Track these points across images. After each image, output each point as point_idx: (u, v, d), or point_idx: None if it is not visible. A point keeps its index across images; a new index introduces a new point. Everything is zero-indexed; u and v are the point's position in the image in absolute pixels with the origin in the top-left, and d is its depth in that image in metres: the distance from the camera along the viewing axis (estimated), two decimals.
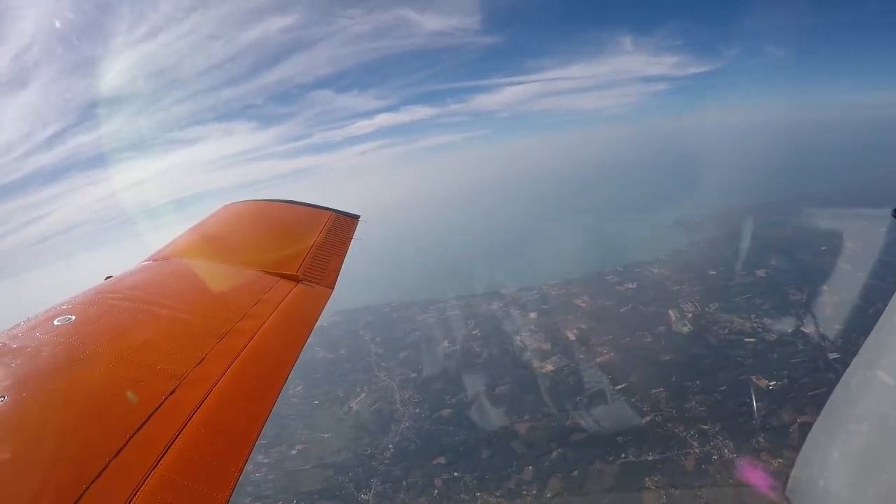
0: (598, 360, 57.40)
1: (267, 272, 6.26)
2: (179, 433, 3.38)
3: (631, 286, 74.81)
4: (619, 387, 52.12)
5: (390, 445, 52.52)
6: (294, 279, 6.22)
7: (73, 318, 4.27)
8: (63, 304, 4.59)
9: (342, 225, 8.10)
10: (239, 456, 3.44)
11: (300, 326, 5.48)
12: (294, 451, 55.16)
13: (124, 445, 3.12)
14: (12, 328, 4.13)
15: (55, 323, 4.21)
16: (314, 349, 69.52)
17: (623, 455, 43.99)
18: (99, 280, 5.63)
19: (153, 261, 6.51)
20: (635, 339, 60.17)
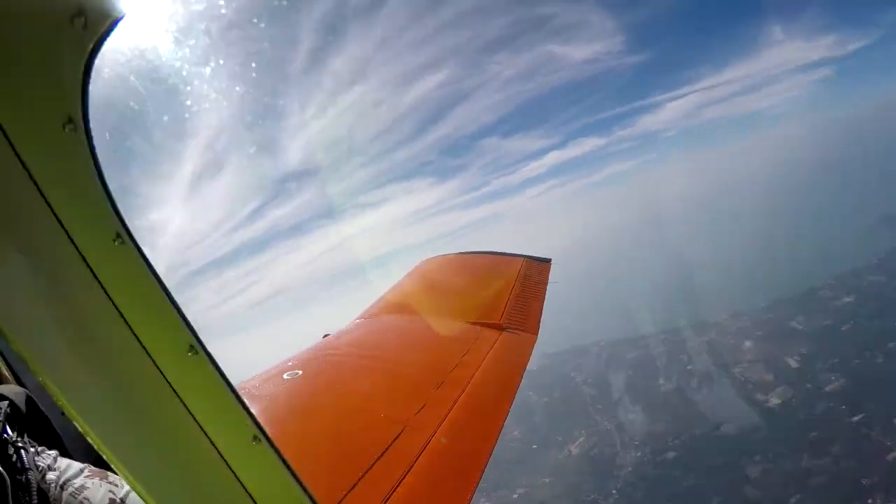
0: (827, 388, 51.59)
1: (471, 322, 6.28)
2: (406, 475, 3.41)
3: (848, 299, 66.81)
4: (856, 418, 46.14)
5: (614, 491, 50.55)
6: (498, 328, 6.17)
7: (300, 372, 4.59)
8: (288, 361, 4.94)
9: (536, 270, 8.04)
10: (462, 497, 3.43)
11: (511, 373, 5.42)
12: (516, 495, 54.88)
13: (354, 486, 3.20)
14: (247, 381, 4.39)
15: (284, 377, 4.47)
16: (527, 393, 69.25)
17: (870, 501, 38.56)
18: (316, 338, 5.96)
19: (365, 318, 6.82)
20: (865, 360, 53.35)
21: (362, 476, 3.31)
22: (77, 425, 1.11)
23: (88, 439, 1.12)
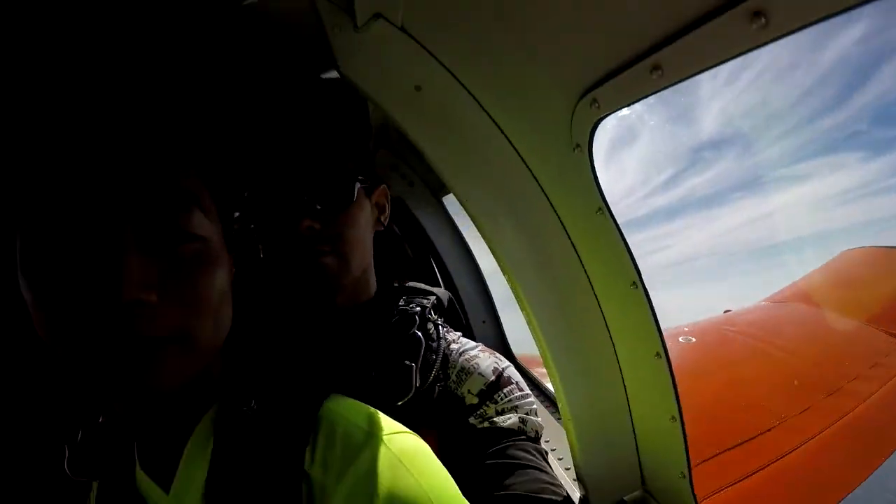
0: None
1: (889, 333, 5.54)
2: (759, 471, 3.35)
3: None
4: None
5: None
6: None
7: (694, 339, 4.65)
8: (685, 326, 5.03)
9: None
10: None
11: None
12: None
13: (707, 459, 3.32)
14: None
15: (679, 340, 4.59)
16: None
17: None
18: (716, 312, 5.91)
19: (772, 302, 6.50)
20: None
21: (716, 455, 3.37)
22: (529, 325, 1.38)
23: (532, 335, 1.39)
